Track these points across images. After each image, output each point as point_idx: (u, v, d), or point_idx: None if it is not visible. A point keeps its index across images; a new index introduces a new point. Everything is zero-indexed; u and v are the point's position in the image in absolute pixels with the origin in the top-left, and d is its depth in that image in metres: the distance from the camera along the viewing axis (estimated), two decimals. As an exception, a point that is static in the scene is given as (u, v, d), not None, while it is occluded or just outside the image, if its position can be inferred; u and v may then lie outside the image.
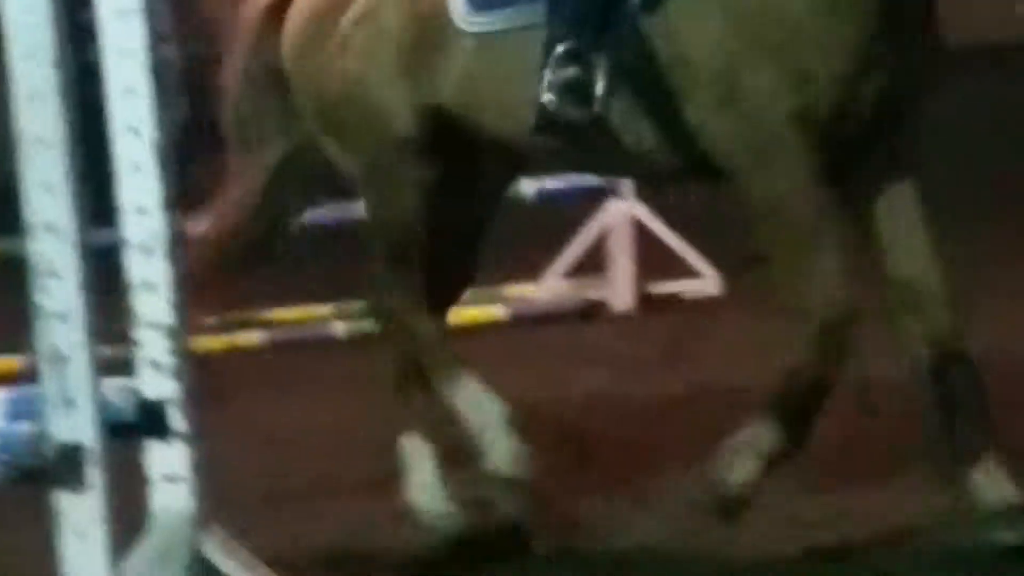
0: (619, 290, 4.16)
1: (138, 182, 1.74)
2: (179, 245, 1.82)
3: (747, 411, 2.46)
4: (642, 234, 4.06)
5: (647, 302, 4.18)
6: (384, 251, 2.80)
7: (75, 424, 1.58)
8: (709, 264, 4.08)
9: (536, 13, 2.45)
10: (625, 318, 4.16)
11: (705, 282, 4.15)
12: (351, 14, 2.66)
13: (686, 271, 4.15)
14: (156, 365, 1.77)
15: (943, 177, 2.89)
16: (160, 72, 1.77)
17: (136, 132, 1.73)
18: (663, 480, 2.72)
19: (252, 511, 2.30)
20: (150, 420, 1.76)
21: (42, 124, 1.55)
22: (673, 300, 4.15)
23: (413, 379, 2.75)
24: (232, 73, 2.96)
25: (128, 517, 1.69)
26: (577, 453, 2.89)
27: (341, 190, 3.29)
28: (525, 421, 2.64)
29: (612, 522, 2.59)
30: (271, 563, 1.89)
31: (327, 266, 4.62)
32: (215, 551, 1.78)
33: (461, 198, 2.83)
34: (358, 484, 2.91)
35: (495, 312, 4.16)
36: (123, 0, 1.69)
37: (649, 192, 4.05)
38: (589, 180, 3.86)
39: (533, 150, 2.68)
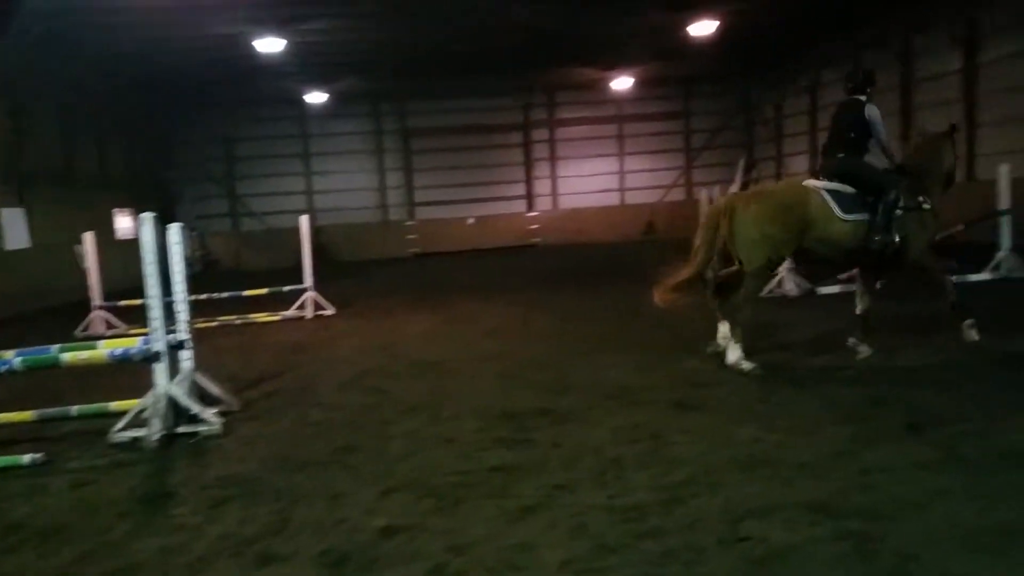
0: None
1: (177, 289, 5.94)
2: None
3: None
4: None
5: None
6: (752, 289, 7.28)
7: None
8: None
9: (865, 217, 7.19)
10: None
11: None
12: (776, 214, 7.16)
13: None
14: None
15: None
16: (188, 262, 6.01)
17: (176, 275, 5.97)
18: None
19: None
20: None
21: (150, 268, 5.70)
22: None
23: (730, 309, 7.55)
24: (702, 233, 7.53)
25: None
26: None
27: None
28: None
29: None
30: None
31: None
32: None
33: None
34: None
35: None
36: (175, 238, 5.94)
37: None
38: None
39: (842, 257, 7.48)
